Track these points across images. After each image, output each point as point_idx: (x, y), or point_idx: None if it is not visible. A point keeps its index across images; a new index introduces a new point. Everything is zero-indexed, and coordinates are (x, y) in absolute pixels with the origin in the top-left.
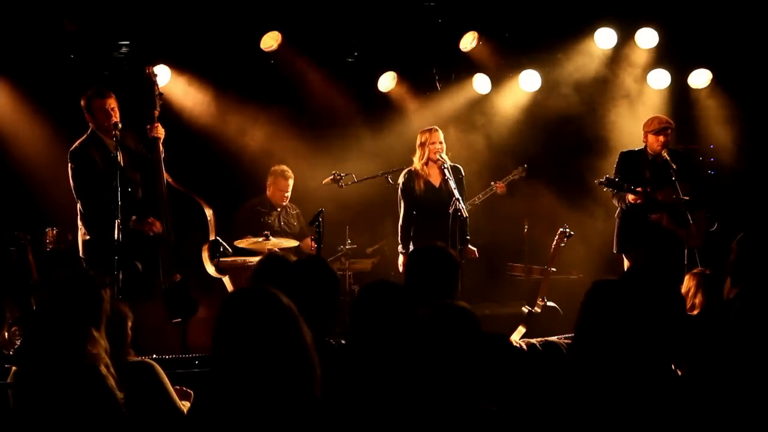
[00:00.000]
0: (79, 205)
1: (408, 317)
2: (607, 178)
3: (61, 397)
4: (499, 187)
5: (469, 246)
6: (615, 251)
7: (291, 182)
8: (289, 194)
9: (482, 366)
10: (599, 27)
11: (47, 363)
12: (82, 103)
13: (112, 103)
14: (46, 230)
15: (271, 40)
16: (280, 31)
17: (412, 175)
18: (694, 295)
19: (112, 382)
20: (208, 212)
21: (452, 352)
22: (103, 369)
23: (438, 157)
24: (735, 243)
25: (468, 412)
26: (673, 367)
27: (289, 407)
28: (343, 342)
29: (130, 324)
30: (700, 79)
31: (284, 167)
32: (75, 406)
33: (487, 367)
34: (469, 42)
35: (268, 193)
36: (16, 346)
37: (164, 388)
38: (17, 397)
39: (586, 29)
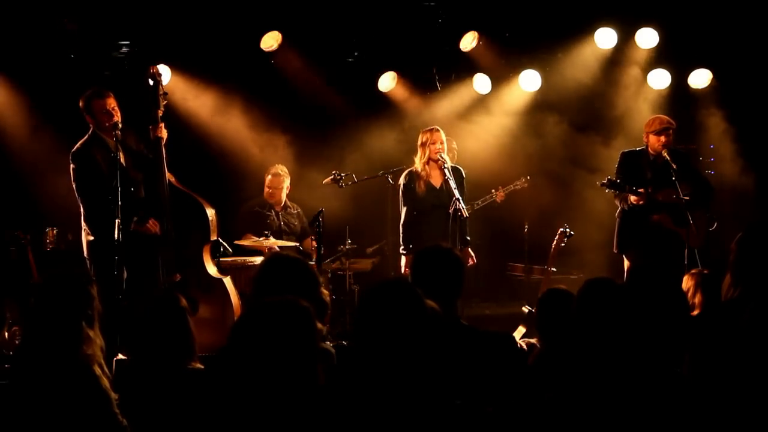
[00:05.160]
0: (81, 206)
1: (421, 317)
2: (609, 179)
3: (54, 397)
4: (498, 195)
5: (469, 249)
6: (615, 251)
7: (283, 179)
8: (282, 190)
9: (429, 343)
10: (599, 27)
11: (40, 364)
12: (81, 104)
13: (112, 102)
14: (46, 230)
15: (271, 40)
16: (280, 31)
17: (414, 176)
18: (693, 295)
19: (105, 382)
20: (210, 212)
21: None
22: (96, 369)
23: (438, 157)
24: (734, 243)
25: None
26: (675, 367)
27: (293, 408)
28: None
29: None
30: (700, 79)
31: (276, 165)
32: (68, 407)
33: (486, 364)
34: (469, 42)
35: (265, 193)
36: (16, 346)
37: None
38: (12, 398)
39: (586, 29)
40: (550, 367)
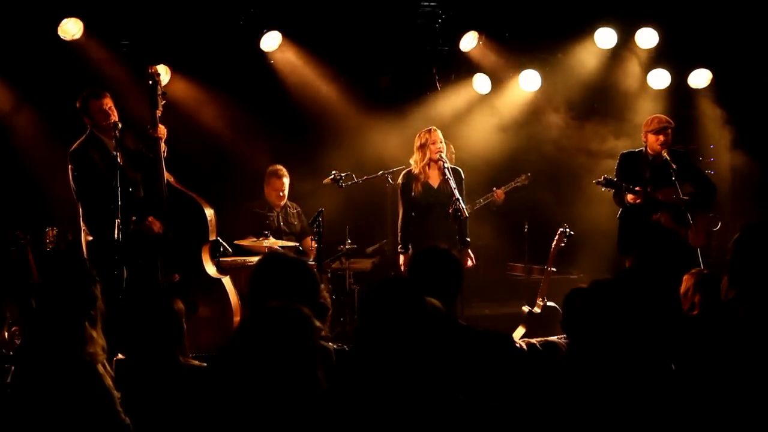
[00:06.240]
0: (80, 206)
1: (421, 314)
2: (604, 177)
3: (58, 396)
4: (498, 194)
5: (468, 250)
6: (619, 252)
7: (286, 180)
8: (285, 193)
9: (429, 339)
10: (599, 27)
11: (44, 363)
12: (78, 105)
13: (109, 102)
14: (46, 230)
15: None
16: (279, 30)
17: (411, 176)
18: (693, 295)
19: (109, 381)
20: (209, 212)
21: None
22: (100, 368)
23: (439, 156)
24: (732, 243)
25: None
26: (671, 366)
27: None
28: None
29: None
30: (700, 79)
31: (278, 166)
32: (72, 406)
33: (484, 364)
34: (469, 42)
35: (266, 194)
36: (16, 346)
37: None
38: (15, 398)
39: (586, 29)
40: (577, 366)
